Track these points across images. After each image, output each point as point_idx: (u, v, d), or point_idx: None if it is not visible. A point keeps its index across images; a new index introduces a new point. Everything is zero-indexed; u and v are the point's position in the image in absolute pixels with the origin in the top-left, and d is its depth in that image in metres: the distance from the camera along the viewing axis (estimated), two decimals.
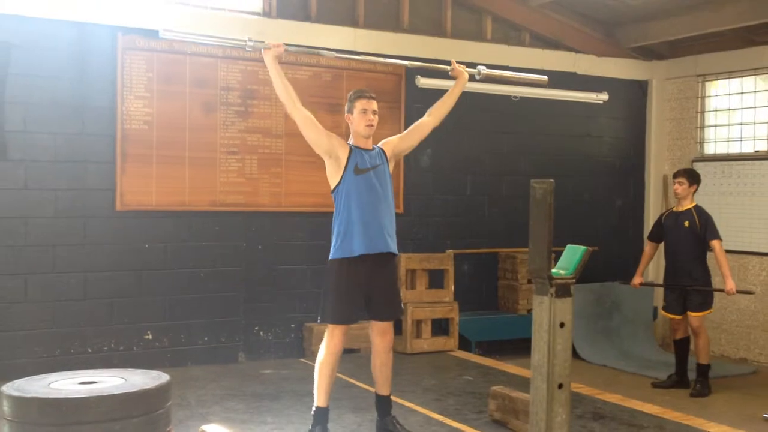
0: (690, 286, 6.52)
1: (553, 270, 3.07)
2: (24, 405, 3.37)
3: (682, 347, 6.74)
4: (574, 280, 3.10)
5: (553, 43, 8.37)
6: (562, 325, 2.99)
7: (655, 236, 6.92)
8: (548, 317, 2.96)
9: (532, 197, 2.96)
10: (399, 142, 4.78)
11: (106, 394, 3.42)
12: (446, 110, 4.91)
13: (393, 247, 4.60)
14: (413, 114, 7.61)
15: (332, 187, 4.56)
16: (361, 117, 4.53)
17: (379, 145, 4.71)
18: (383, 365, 4.68)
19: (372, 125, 4.54)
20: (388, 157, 4.67)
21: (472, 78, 5.03)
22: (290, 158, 7.09)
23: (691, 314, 6.53)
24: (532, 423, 2.98)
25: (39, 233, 6.21)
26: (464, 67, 4.99)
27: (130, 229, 6.52)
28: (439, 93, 7.58)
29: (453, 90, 4.94)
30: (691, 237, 6.53)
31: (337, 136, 4.58)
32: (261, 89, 6.98)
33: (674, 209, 6.76)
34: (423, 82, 7.56)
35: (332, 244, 4.56)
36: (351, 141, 4.62)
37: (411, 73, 7.56)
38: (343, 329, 4.53)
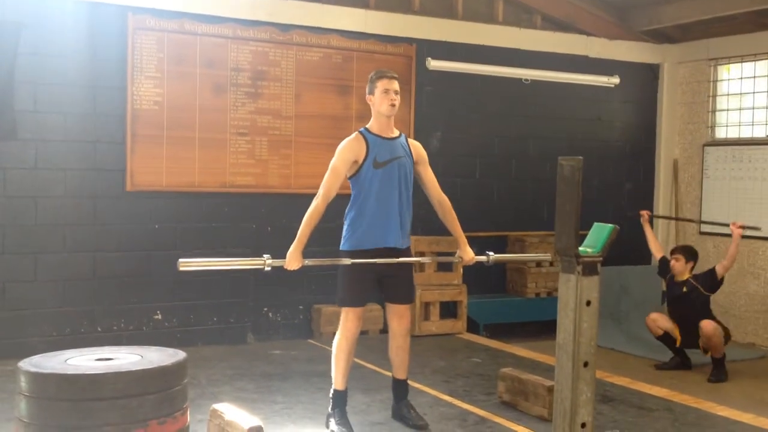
0: (700, 347, 6.61)
1: (580, 248, 3.05)
2: (41, 380, 3.37)
3: (667, 341, 6.81)
4: (601, 259, 3.08)
5: (564, 26, 8.31)
6: (588, 303, 2.99)
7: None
8: (575, 296, 2.95)
9: (559, 174, 2.93)
10: (422, 164, 4.67)
11: (123, 370, 3.42)
12: (443, 218, 4.81)
13: (406, 242, 4.60)
14: (423, 96, 7.61)
15: (349, 176, 4.51)
16: (384, 97, 4.47)
17: (409, 140, 4.66)
18: (400, 348, 4.69)
19: (394, 105, 4.49)
20: (414, 157, 4.60)
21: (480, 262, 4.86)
22: (300, 140, 7.07)
23: (705, 322, 6.52)
24: (556, 401, 2.97)
25: (49, 213, 6.21)
26: (472, 257, 4.81)
27: (139, 210, 6.51)
28: (450, 74, 7.67)
29: (457, 238, 4.82)
30: (693, 298, 6.67)
31: (350, 147, 4.46)
32: (271, 70, 6.94)
33: (675, 279, 6.85)
34: (434, 64, 7.52)
35: (344, 234, 4.53)
36: (370, 125, 4.55)
37: (421, 55, 7.52)
38: (357, 312, 4.53)
